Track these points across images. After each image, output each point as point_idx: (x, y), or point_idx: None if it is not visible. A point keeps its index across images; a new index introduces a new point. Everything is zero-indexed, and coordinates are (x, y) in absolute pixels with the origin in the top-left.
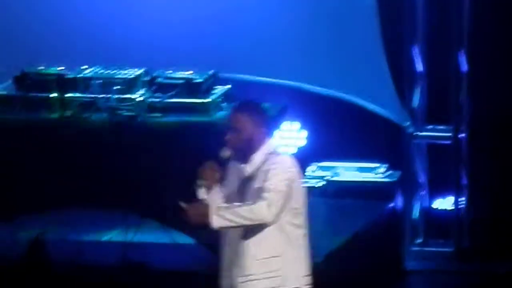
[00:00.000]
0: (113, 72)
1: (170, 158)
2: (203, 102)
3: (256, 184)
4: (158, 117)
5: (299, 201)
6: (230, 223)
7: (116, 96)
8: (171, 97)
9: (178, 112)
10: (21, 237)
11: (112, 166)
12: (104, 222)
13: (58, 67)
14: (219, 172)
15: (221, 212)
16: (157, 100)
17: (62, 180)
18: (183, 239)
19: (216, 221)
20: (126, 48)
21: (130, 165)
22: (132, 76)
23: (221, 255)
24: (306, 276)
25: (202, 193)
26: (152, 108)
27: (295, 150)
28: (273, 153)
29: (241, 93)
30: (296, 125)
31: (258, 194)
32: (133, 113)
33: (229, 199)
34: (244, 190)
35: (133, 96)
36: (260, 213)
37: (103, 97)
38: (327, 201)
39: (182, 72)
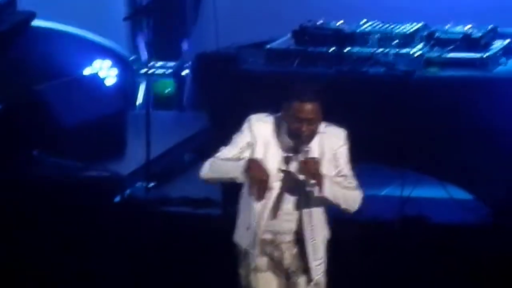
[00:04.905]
0: (391, 26)
1: (446, 114)
2: (481, 57)
3: (330, 170)
4: (435, 72)
5: None
6: (334, 199)
7: (394, 50)
8: (449, 52)
9: (455, 67)
10: None
11: (388, 121)
12: (381, 177)
13: (336, 21)
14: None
15: (334, 187)
16: (435, 55)
17: None
18: (461, 194)
19: (328, 189)
20: (403, 1)
21: (406, 120)
22: (410, 30)
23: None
24: None
25: None
26: (429, 63)
27: None
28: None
29: None
30: None
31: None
32: (410, 68)
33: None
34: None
35: (411, 51)
36: (357, 205)
37: (381, 52)
38: None
39: (461, 27)
